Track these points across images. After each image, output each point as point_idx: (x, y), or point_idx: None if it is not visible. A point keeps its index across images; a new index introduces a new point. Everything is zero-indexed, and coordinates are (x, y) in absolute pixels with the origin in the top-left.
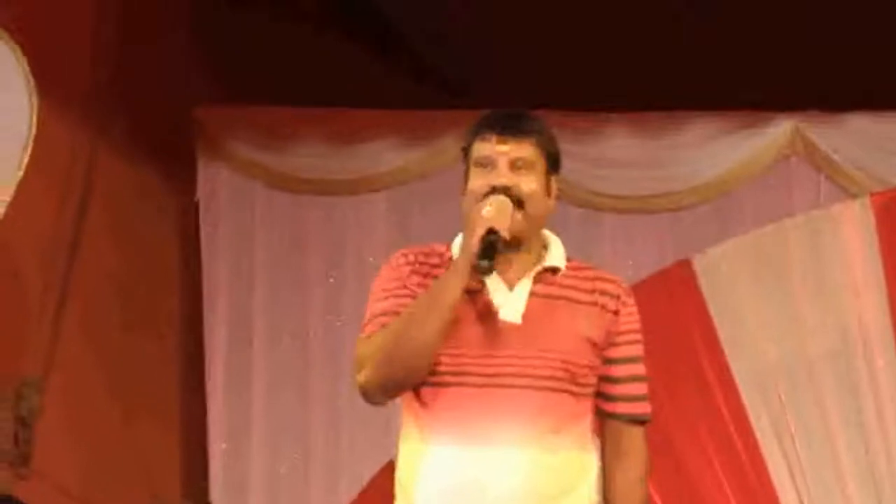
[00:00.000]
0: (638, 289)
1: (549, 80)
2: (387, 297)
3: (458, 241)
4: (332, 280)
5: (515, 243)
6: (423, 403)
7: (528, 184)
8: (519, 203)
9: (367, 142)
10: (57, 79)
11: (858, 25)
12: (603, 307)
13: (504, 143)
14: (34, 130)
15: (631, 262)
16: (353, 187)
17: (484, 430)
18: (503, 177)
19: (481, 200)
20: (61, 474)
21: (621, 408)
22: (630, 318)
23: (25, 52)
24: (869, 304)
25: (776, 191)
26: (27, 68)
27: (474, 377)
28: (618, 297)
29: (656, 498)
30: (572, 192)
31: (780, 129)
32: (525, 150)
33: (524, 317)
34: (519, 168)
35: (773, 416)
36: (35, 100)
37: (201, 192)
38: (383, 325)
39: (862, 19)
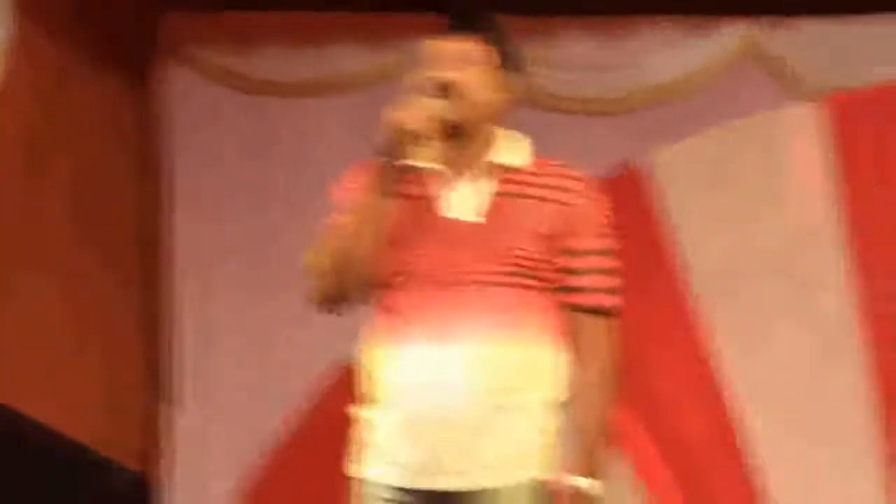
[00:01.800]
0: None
1: None
2: (337, 211)
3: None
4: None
5: (459, 137)
6: (386, 306)
7: (471, 77)
8: (458, 94)
9: (332, 45)
10: None
11: None
12: (561, 202)
13: (448, 40)
14: (11, 38)
15: (586, 163)
16: (317, 90)
17: (445, 328)
18: (443, 70)
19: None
20: (37, 381)
21: (578, 299)
22: (595, 211)
23: None
24: (821, 203)
25: (730, 94)
26: None
27: (432, 276)
28: (581, 193)
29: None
30: (531, 95)
31: (733, 34)
32: (468, 45)
33: (480, 214)
34: (461, 61)
35: (725, 311)
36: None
37: (168, 98)
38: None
39: None
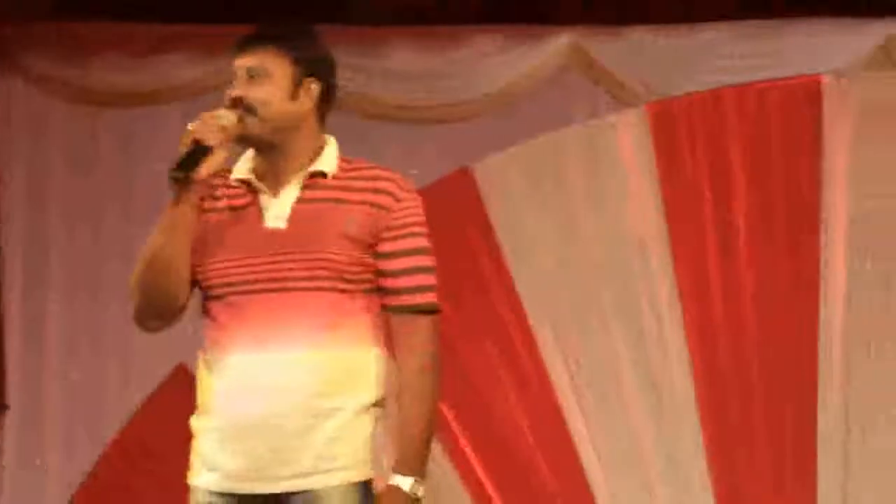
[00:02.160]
0: (419, 195)
1: None
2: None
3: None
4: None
5: (266, 149)
6: (208, 316)
7: (259, 92)
8: (247, 109)
9: (162, 55)
10: None
11: None
12: (374, 204)
13: (241, 55)
14: None
15: (416, 171)
16: (148, 99)
17: (261, 334)
18: (236, 88)
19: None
20: None
21: (398, 300)
22: (406, 211)
23: None
24: (645, 209)
25: (557, 103)
26: None
27: (246, 285)
28: (391, 194)
29: (442, 403)
30: (359, 104)
31: (558, 43)
32: (258, 58)
33: (290, 221)
34: (253, 77)
35: (552, 321)
36: None
37: (3, 111)
38: None
39: None
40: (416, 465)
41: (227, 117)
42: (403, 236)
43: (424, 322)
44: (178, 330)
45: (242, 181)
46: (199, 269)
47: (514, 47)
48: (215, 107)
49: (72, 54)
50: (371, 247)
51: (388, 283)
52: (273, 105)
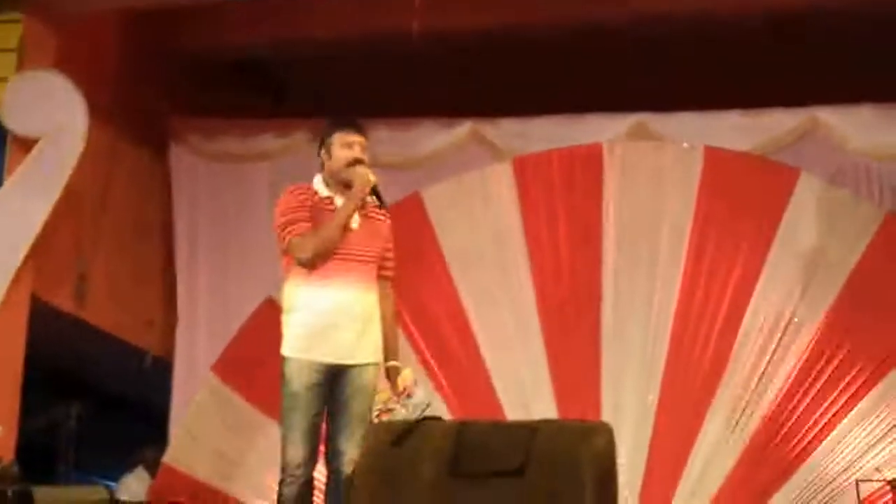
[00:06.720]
0: (392, 209)
1: (336, 97)
2: (295, 212)
3: (317, 180)
4: None
5: (349, 185)
6: (311, 267)
7: (366, 157)
8: (365, 165)
9: (257, 135)
10: (92, 103)
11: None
12: (383, 223)
13: (357, 134)
14: (85, 130)
15: (395, 190)
16: (251, 159)
17: (341, 280)
18: (360, 154)
19: (348, 166)
20: (103, 306)
21: (387, 273)
22: (390, 230)
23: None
24: (509, 215)
25: (464, 161)
26: (82, 98)
27: (339, 254)
28: (388, 219)
29: (407, 319)
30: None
31: (464, 127)
32: (363, 138)
33: (359, 224)
34: (363, 148)
35: (468, 283)
36: (85, 114)
37: (173, 165)
38: (297, 228)
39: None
40: (397, 352)
41: (369, 171)
42: (391, 242)
43: (390, 284)
44: (264, 279)
45: (330, 198)
46: None
47: (440, 129)
48: (293, 165)
49: (210, 134)
50: (384, 247)
51: (385, 265)
52: (369, 166)
